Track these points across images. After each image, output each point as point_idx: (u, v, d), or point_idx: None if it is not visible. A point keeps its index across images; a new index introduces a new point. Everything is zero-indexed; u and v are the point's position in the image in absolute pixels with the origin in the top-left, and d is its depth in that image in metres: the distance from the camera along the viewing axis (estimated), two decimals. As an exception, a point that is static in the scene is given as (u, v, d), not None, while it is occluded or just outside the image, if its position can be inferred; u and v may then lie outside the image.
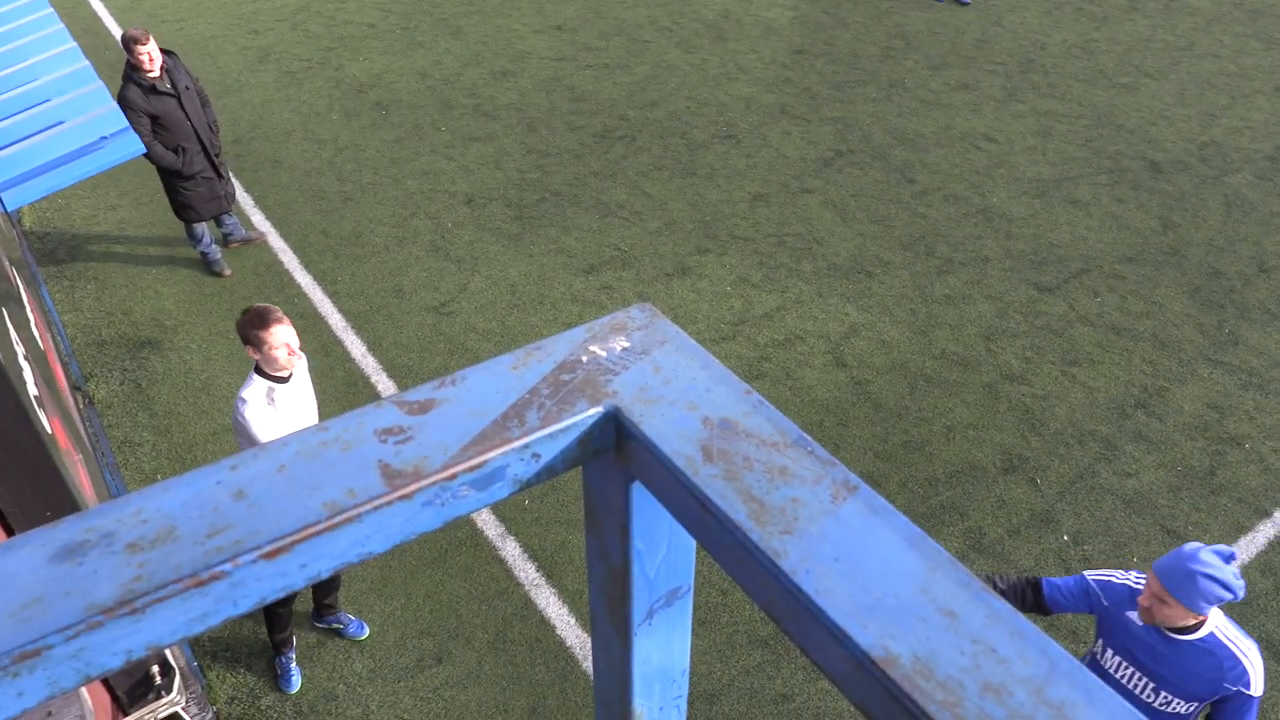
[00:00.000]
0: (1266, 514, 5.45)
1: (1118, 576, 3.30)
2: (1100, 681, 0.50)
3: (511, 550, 5.12)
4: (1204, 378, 6.35)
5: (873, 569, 0.55)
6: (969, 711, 0.48)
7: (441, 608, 4.86)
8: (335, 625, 4.71)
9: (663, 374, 0.70)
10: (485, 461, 0.64)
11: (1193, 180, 8.46)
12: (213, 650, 4.68)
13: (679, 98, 9.51)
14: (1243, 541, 5.29)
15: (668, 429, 0.65)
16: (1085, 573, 3.38)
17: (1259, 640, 4.79)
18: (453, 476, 0.63)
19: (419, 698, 4.48)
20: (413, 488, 0.61)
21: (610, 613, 0.82)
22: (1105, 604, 3.27)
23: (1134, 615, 3.17)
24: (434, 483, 0.62)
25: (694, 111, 9.28)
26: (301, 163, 8.36)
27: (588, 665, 4.58)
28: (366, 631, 4.72)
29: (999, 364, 6.39)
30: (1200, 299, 7.05)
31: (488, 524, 5.25)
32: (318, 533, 0.59)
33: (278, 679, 4.52)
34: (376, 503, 0.60)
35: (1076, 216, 7.91)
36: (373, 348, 6.40)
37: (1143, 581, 3.21)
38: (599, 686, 0.92)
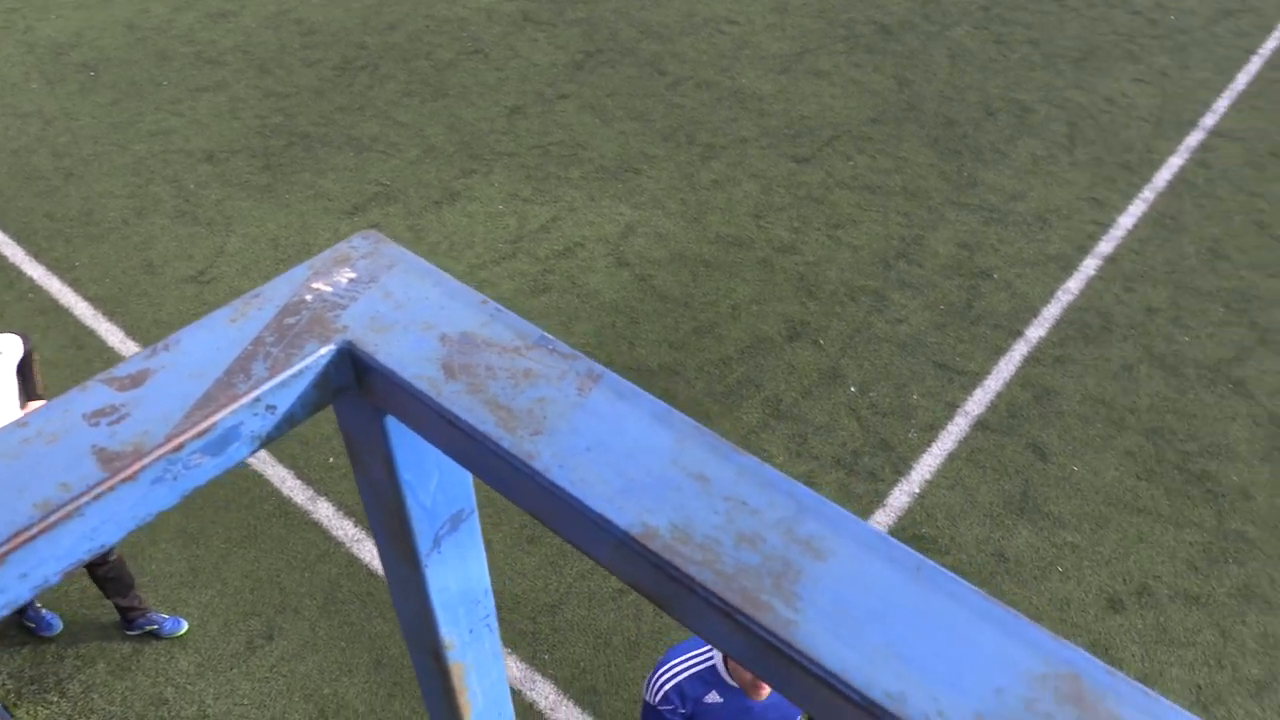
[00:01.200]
0: (1019, 334, 6.01)
1: (671, 672, 2.98)
2: (847, 512, 0.53)
3: (325, 511, 4.97)
4: (952, 220, 6.85)
5: (624, 451, 0.56)
6: (727, 565, 0.50)
7: (261, 585, 4.67)
8: (149, 628, 4.45)
9: (394, 299, 0.68)
10: (214, 424, 0.60)
11: (919, 37, 8.96)
12: (16, 687, 4.33)
13: (417, 17, 9.12)
14: (1002, 362, 5.82)
15: (405, 354, 0.63)
16: (647, 699, 3.04)
17: (1029, 446, 5.33)
18: (179, 447, 0.58)
19: (256, 680, 4.33)
20: (135, 467, 0.57)
21: (397, 549, 0.80)
22: (690, 710, 2.98)
23: (716, 695, 2.93)
24: (160, 457, 0.58)
25: (435, 30, 8.93)
26: (4, 142, 7.50)
27: (426, 606, 4.55)
28: (184, 626, 4.49)
29: (770, 238, 6.65)
30: (939, 148, 7.55)
31: (295, 490, 5.06)
32: (32, 537, 0.54)
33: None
34: (96, 491, 0.56)
35: (821, 87, 8.24)
36: (132, 332, 5.93)
37: (702, 657, 2.96)
38: (405, 624, 0.90)
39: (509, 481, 0.58)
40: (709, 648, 2.94)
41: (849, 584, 0.49)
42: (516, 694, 4.23)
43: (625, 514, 0.53)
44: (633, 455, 0.56)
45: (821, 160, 7.39)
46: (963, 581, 0.48)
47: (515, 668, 4.35)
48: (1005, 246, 6.65)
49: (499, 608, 4.10)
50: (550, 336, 0.64)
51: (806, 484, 5.00)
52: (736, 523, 0.52)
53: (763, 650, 0.48)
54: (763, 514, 0.52)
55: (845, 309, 6.12)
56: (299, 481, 5.10)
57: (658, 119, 7.80)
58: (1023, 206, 7.00)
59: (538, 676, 4.32)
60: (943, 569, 0.49)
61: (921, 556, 0.50)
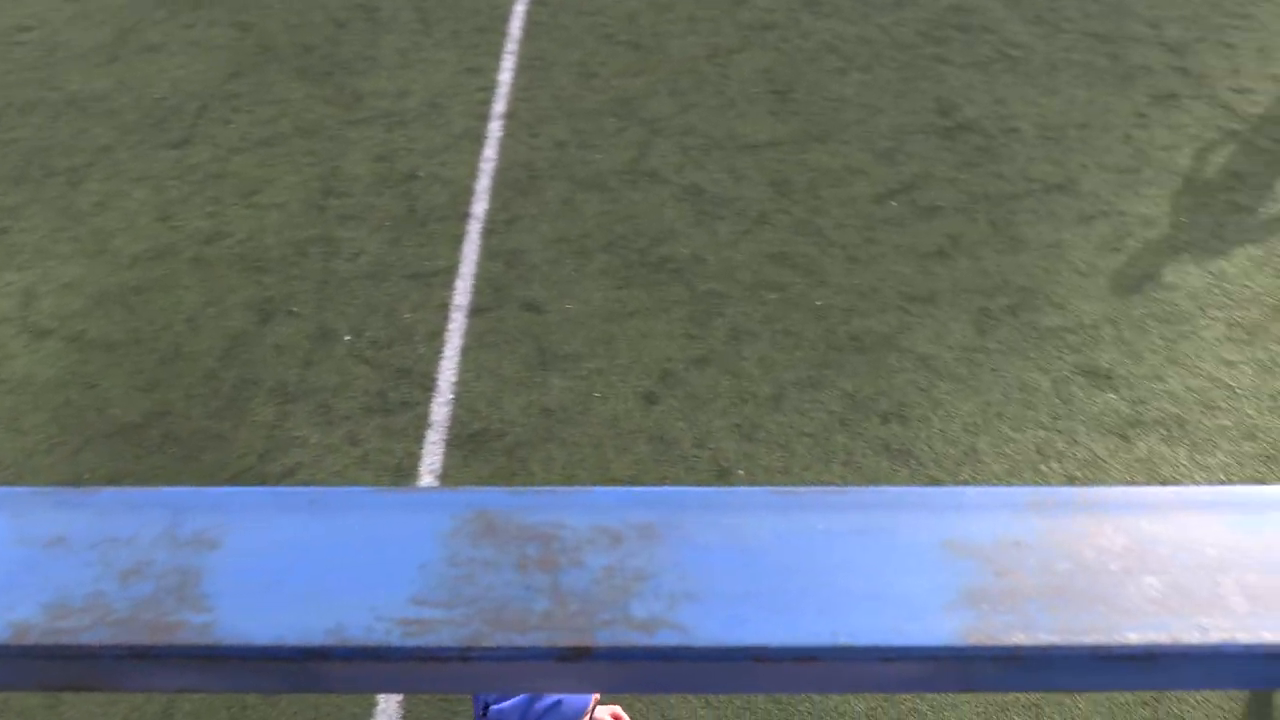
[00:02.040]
0: (466, 215, 6.24)
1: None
2: (230, 489, 0.50)
3: None
4: (356, 140, 6.81)
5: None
6: (121, 610, 0.45)
7: None
8: None
9: None
10: None
11: (233, -23, 8.53)
12: None
13: None
14: (465, 247, 6.03)
15: None
16: None
17: (524, 307, 5.65)
18: None
19: None
20: None
21: None
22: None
23: None
24: None
25: None
26: None
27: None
28: None
29: (191, 234, 6.15)
30: (311, 77, 7.38)
31: None
32: None
33: None
34: None
35: (161, 62, 7.59)
36: None
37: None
38: None
39: None
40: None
41: (255, 555, 0.47)
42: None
43: (-17, 625, 0.45)
44: (-33, 559, 0.48)
45: (201, 136, 6.90)
46: (330, 490, 0.48)
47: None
48: (417, 144, 6.77)
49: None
50: None
51: (349, 444, 4.90)
52: (115, 563, 0.47)
53: (217, 668, 0.45)
54: (139, 539, 0.48)
55: (301, 267, 5.91)
56: None
57: (10, 159, 6.73)
58: (413, 101, 7.14)
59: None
60: (331, 490, 0.49)
61: (314, 490, 0.49)
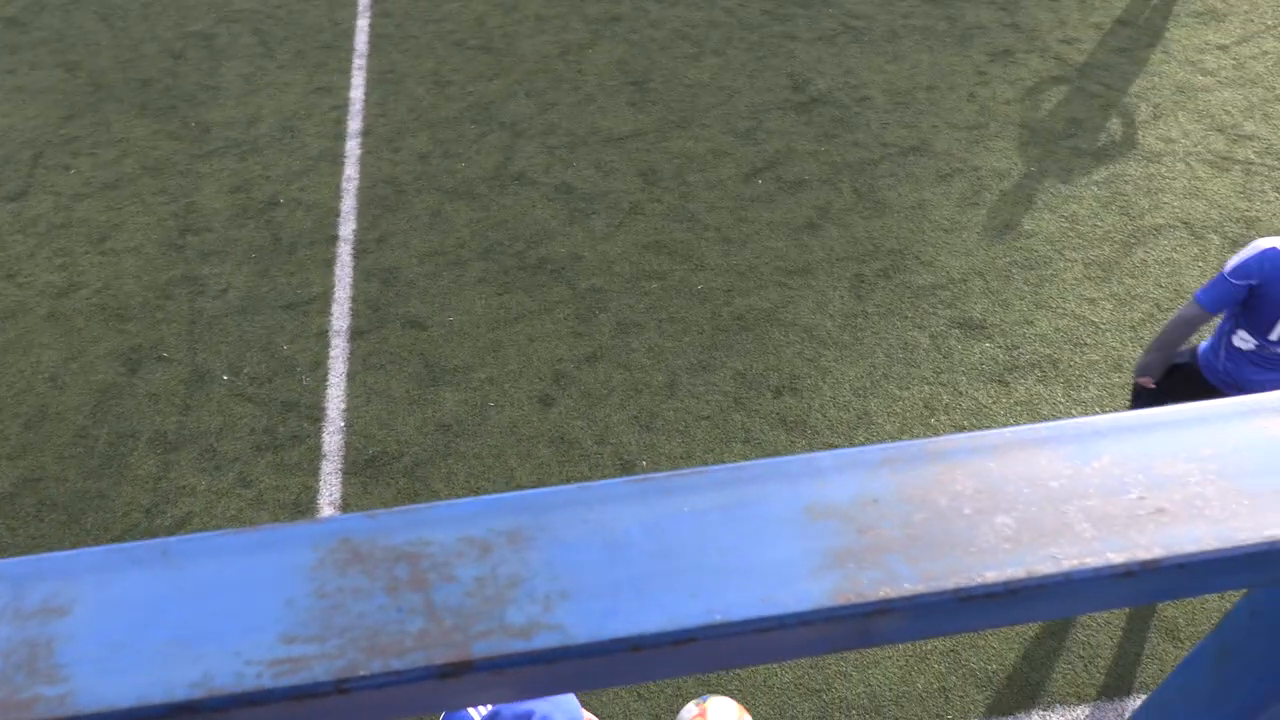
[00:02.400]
0: (334, 238, 6.09)
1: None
2: (75, 551, 0.47)
3: None
4: (209, 173, 6.57)
5: None
6: (-34, 697, 0.43)
7: None
8: None
9: None
10: None
11: (56, 15, 8.11)
12: None
13: None
14: (337, 270, 5.89)
15: None
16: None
17: (406, 324, 5.55)
18: None
19: None
20: None
21: None
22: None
23: None
24: None
25: None
26: None
27: None
28: None
29: (40, 288, 5.84)
30: (152, 112, 7.08)
31: None
32: None
33: None
34: None
35: (-14, 112, 7.17)
36: None
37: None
38: None
39: None
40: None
41: (108, 616, 0.45)
42: None
43: None
44: None
45: (40, 185, 6.55)
46: (183, 538, 0.47)
47: None
48: (273, 170, 6.57)
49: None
50: None
51: (242, 486, 4.74)
52: (-45, 647, 0.44)
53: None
54: (-20, 617, 0.45)
55: (166, 310, 5.68)
56: None
57: None
58: (264, 127, 6.92)
59: None
60: (183, 538, 0.47)
61: (165, 541, 0.47)
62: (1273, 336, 3.53)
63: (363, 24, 7.89)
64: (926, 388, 5.11)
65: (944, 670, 3.99)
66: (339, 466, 4.88)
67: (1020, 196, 6.24)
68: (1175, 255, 5.83)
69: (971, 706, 3.90)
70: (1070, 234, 5.97)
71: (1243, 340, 3.62)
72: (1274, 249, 3.44)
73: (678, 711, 2.81)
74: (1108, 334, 5.37)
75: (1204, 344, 3.86)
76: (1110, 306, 5.52)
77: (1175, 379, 3.84)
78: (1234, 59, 7.31)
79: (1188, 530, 0.45)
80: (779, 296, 5.64)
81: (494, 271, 5.83)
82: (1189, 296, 5.14)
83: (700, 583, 0.44)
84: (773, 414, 5.01)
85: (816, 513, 0.46)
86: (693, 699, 3.24)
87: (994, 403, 5.02)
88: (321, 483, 4.78)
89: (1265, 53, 7.37)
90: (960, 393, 5.08)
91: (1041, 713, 3.87)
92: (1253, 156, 6.50)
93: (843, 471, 0.47)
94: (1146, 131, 6.69)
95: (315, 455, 4.93)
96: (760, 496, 0.46)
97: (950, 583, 0.44)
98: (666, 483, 0.46)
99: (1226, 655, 0.62)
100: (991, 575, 0.44)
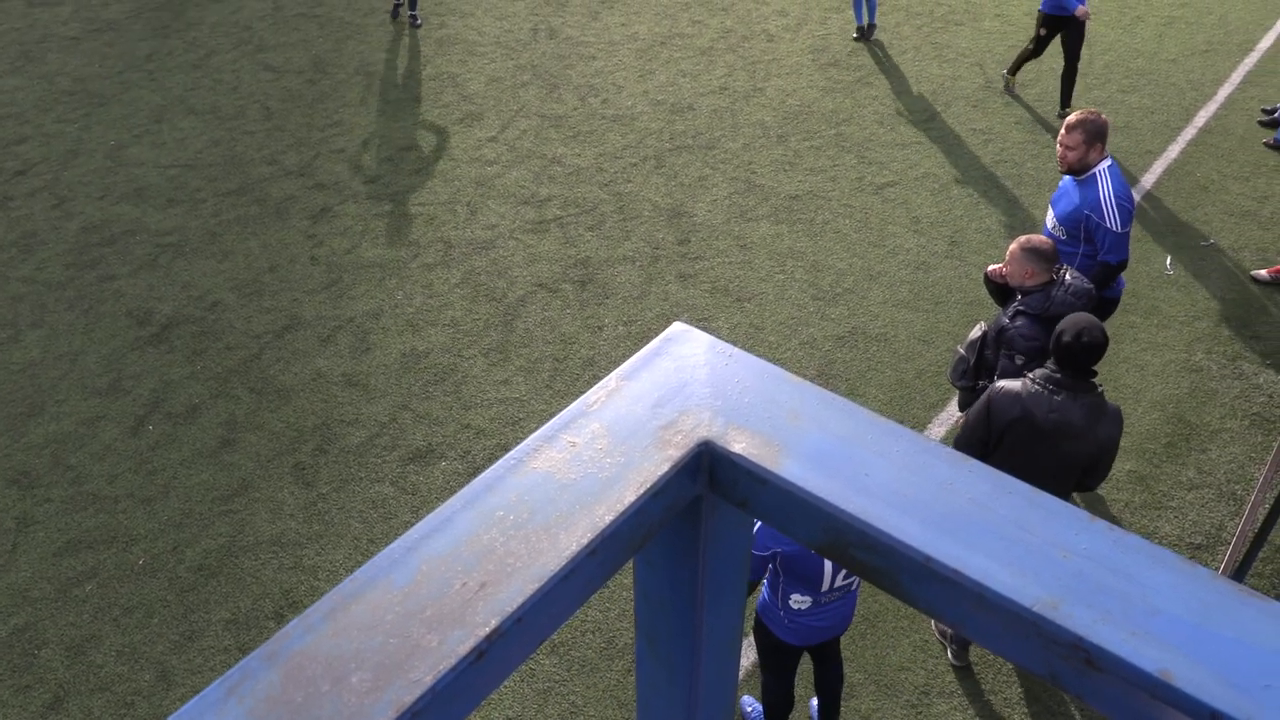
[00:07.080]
0: None
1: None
2: None
3: None
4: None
5: None
6: None
7: None
8: None
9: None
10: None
11: None
12: None
13: None
14: None
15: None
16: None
17: None
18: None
19: None
20: None
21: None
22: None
23: None
24: None
25: None
26: None
27: None
28: None
29: None
30: None
31: None
32: None
33: None
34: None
35: None
36: None
37: None
38: None
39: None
40: None
41: None
42: None
43: None
44: None
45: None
46: None
47: None
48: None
49: None
50: None
51: None
52: None
53: None
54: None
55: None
56: None
57: None
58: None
59: None
60: None
61: None
62: None
63: None
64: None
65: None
66: None
67: (393, 323, 6.55)
68: (548, 313, 6.56)
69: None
70: (454, 335, 6.42)
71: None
72: None
73: None
74: (534, 406, 5.87)
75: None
76: (521, 379, 6.04)
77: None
78: (505, 144, 8.45)
79: (510, 589, 0.50)
80: (230, 526, 5.26)
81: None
82: (576, 338, 5.79)
83: None
84: (284, 639, 4.65)
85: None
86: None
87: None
88: None
89: (524, 132, 8.63)
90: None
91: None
92: (559, 212, 7.57)
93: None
94: (470, 225, 7.44)
95: None
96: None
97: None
98: None
99: (656, 640, 0.70)
100: (373, 731, 0.45)
